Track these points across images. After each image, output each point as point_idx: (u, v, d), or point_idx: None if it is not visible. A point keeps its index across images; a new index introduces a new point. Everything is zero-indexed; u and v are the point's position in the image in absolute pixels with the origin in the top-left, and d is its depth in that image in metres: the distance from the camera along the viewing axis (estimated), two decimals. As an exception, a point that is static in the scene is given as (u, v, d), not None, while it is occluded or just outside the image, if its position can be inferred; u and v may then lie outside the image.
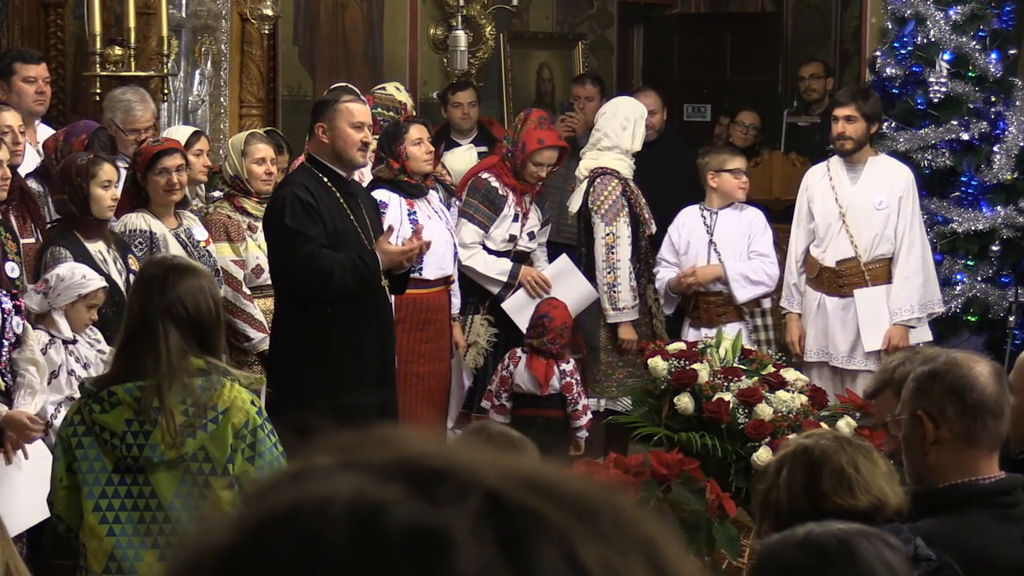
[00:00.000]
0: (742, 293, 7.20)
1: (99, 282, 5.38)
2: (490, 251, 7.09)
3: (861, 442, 3.09)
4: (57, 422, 5.19)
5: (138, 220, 6.04)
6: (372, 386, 5.86)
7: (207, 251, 6.17)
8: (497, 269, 7.01)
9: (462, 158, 8.05)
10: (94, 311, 5.42)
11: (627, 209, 7.24)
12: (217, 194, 6.76)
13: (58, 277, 5.30)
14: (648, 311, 7.44)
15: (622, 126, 7.35)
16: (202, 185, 6.88)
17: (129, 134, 6.61)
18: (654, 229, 7.36)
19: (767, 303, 7.37)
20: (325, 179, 5.84)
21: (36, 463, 4.96)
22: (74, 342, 5.40)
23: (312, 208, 5.72)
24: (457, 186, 7.33)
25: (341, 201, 5.84)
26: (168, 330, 3.81)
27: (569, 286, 7.06)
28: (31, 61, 6.96)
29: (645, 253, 7.35)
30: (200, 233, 6.22)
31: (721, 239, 7.24)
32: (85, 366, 5.40)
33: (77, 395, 5.25)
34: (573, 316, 6.93)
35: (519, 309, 7.00)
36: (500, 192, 7.03)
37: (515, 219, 7.10)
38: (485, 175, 7.06)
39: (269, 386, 5.93)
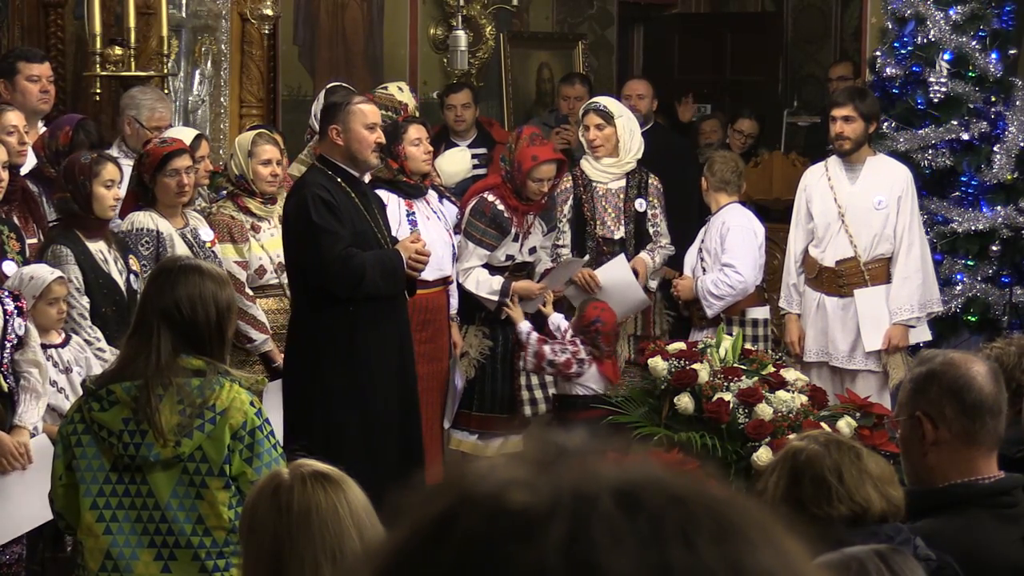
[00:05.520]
0: (710, 309, 7.18)
1: (48, 276, 5.36)
2: (491, 269, 7.05)
3: (853, 445, 3.06)
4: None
5: (145, 219, 6.04)
6: (393, 385, 5.90)
7: (212, 251, 6.17)
8: (487, 289, 6.98)
9: (455, 160, 8.02)
10: (59, 306, 5.39)
11: (570, 203, 7.26)
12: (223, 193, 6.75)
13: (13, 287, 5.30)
14: None
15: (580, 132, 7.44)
16: (203, 187, 6.88)
17: (152, 132, 6.64)
18: (616, 235, 7.31)
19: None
20: (339, 180, 5.86)
21: (42, 465, 4.96)
22: (56, 346, 5.39)
23: (334, 207, 5.74)
24: (460, 202, 7.26)
25: (356, 201, 5.87)
26: (162, 331, 3.81)
27: (622, 289, 7.09)
28: (35, 60, 6.97)
29: (595, 252, 7.29)
30: (206, 233, 6.23)
31: (707, 247, 7.26)
32: (66, 370, 5.39)
33: (54, 400, 5.28)
34: (621, 319, 7.01)
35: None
36: (506, 215, 6.98)
37: (515, 239, 7.08)
38: (491, 198, 6.99)
39: (287, 385, 5.93)
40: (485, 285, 6.97)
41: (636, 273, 7.20)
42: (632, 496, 0.85)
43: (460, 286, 7.06)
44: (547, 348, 6.60)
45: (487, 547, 0.83)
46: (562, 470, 0.88)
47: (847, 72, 9.90)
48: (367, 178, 6.74)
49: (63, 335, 5.48)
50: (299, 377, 5.87)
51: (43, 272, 5.38)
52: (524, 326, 6.77)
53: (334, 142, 5.88)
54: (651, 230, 7.37)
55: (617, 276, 7.12)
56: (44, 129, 6.98)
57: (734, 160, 7.42)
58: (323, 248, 5.69)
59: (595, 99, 7.58)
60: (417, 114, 7.49)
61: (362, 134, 5.86)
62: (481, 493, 0.86)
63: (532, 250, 7.18)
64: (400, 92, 7.53)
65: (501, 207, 6.96)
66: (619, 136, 7.31)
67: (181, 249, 5.96)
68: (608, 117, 7.28)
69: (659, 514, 0.84)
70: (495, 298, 6.95)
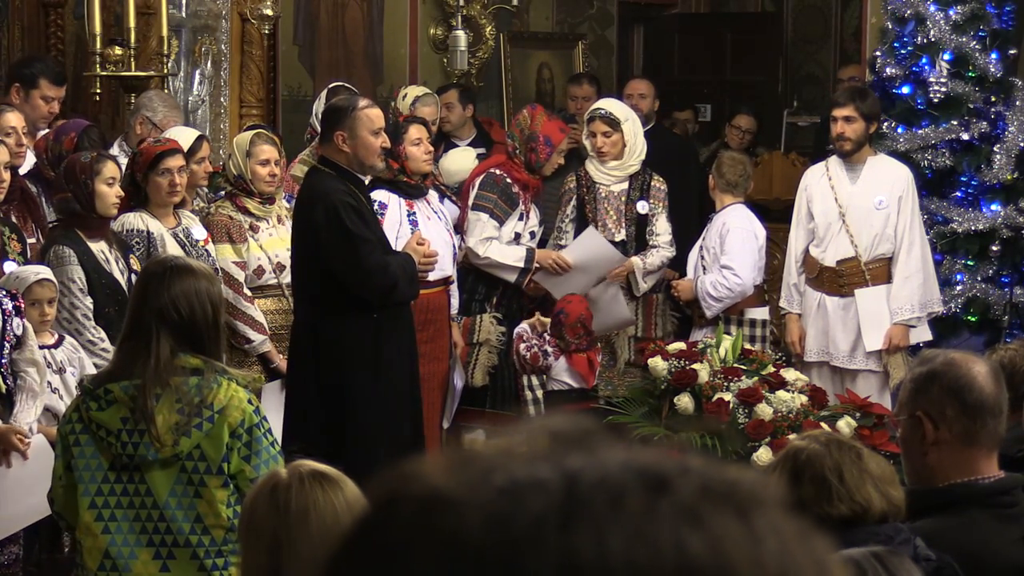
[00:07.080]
0: (709, 310, 7.18)
1: (30, 278, 5.34)
2: None
3: (854, 444, 3.07)
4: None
5: (135, 220, 6.03)
6: (406, 387, 5.93)
7: (206, 250, 6.15)
8: (514, 256, 7.06)
9: (458, 160, 8.03)
10: (41, 308, 5.36)
11: (572, 203, 7.29)
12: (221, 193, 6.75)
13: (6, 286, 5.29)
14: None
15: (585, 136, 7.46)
16: (203, 187, 6.87)
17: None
18: (617, 237, 7.30)
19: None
20: (349, 183, 5.85)
21: (36, 462, 4.96)
22: (49, 347, 5.39)
23: (363, 214, 5.75)
24: (465, 182, 7.32)
25: (366, 205, 5.89)
26: (160, 332, 3.81)
27: (595, 260, 7.09)
28: (58, 83, 7.03)
29: None
30: (199, 232, 6.21)
31: (708, 246, 7.26)
32: (59, 371, 5.39)
33: (48, 401, 5.28)
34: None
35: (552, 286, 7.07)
36: (514, 189, 7.08)
37: (520, 217, 7.14)
38: (499, 172, 7.09)
39: (291, 389, 5.93)
40: (510, 253, 7.02)
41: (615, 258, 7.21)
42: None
43: (464, 272, 7.05)
44: (523, 345, 6.70)
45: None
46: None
47: (857, 73, 9.88)
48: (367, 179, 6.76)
49: (56, 336, 5.47)
50: (305, 382, 5.85)
51: (27, 273, 5.37)
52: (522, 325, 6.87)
53: (339, 148, 5.85)
54: (646, 230, 7.37)
55: (587, 249, 7.12)
56: (46, 131, 7.00)
57: (743, 163, 7.42)
58: (363, 257, 5.68)
59: (600, 105, 7.50)
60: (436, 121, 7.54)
61: (369, 140, 5.84)
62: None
63: (532, 234, 7.23)
64: (403, 100, 7.57)
65: (510, 180, 7.06)
66: (625, 140, 7.31)
67: (172, 248, 5.94)
68: (614, 123, 7.28)
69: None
70: (521, 264, 7.01)
